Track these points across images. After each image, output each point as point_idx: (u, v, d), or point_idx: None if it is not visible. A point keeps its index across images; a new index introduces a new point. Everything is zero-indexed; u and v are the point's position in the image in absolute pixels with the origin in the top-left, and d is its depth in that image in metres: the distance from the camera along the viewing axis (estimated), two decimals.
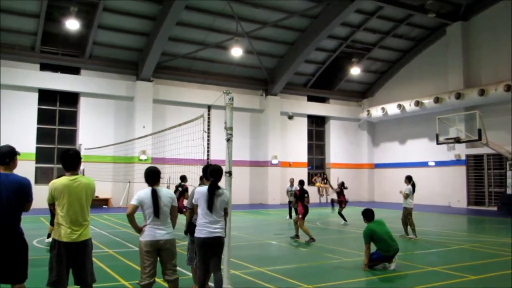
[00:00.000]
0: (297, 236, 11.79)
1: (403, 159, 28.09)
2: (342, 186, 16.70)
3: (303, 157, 28.85)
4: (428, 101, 25.07)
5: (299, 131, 28.87)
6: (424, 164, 26.64)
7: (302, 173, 27.67)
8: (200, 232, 5.48)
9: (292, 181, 17.44)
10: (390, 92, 29.12)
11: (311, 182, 29.00)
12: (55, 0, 19.89)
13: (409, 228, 12.10)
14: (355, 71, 27.36)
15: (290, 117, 9.54)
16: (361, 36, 26.00)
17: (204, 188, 5.60)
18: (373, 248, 8.30)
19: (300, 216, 11.57)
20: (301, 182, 12.28)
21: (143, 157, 22.15)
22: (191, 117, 8.25)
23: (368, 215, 8.58)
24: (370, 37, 26.30)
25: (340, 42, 26.21)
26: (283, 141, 27.60)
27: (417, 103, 25.55)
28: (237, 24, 21.88)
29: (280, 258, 9.75)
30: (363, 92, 30.98)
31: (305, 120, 29.16)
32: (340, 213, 16.01)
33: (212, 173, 5.62)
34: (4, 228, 4.44)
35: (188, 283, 6.45)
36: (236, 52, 22.69)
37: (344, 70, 28.38)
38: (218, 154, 23.67)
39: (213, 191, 5.50)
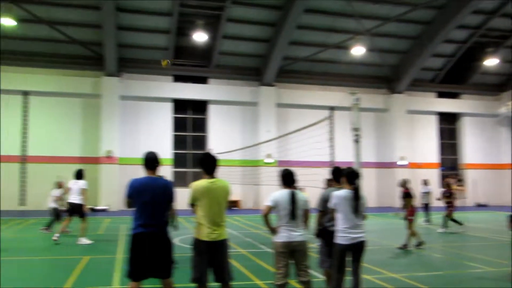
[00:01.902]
0: (421, 243, 11.05)
1: None
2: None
3: (434, 157, 27.10)
4: None
5: (428, 130, 27.23)
6: None
7: (433, 175, 26.03)
8: (343, 238, 5.40)
9: (425, 182, 16.76)
10: None
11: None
12: (183, 16, 21.45)
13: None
14: (491, 62, 24.92)
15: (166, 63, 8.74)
16: (497, 23, 23.64)
17: (343, 192, 5.50)
18: None
19: (411, 218, 10.91)
20: (406, 181, 11.79)
21: (268, 160, 22.72)
22: (314, 120, 8.28)
23: None
24: (508, 23, 23.75)
25: (472, 32, 24.13)
26: (411, 141, 26.25)
27: None
28: (358, 22, 21.39)
29: (413, 264, 9.26)
30: (501, 85, 28.05)
31: (434, 118, 27.43)
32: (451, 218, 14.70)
33: (354, 176, 5.52)
34: (159, 227, 4.89)
35: (319, 286, 6.42)
36: (357, 51, 22.16)
37: (478, 61, 26.03)
38: (342, 156, 23.26)
39: (358, 196, 5.44)
